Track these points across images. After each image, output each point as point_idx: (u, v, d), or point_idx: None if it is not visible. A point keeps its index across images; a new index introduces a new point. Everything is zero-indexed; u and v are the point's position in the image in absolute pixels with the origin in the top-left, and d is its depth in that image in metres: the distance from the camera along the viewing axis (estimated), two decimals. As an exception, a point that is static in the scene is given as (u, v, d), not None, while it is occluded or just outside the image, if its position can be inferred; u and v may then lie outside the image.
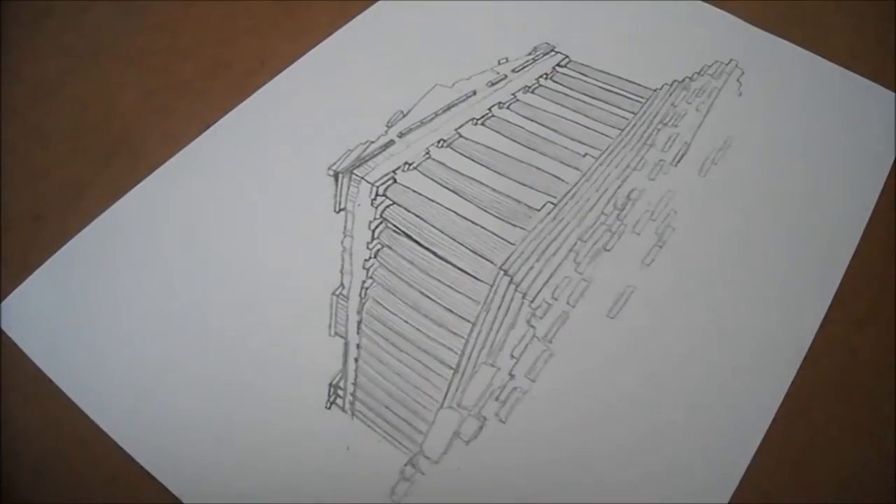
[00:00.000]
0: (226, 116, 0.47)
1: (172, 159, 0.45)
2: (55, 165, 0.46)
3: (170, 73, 0.50)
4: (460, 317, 0.40)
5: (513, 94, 0.48)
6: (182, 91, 0.49)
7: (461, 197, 0.44)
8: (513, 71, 0.49)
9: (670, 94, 0.48)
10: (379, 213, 0.43)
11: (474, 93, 0.48)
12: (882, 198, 0.43)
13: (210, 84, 0.49)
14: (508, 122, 0.47)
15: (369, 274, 0.41)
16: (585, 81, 0.49)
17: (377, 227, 0.43)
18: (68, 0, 0.54)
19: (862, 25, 0.51)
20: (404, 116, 0.47)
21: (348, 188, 0.44)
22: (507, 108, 0.48)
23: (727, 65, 0.49)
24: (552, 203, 0.43)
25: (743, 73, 0.49)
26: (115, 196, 0.44)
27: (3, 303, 0.41)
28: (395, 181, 0.44)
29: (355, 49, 0.50)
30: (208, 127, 0.47)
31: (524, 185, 0.44)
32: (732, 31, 0.49)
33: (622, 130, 0.47)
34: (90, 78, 0.50)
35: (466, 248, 0.42)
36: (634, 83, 0.49)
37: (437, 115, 0.47)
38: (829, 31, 0.51)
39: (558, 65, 0.50)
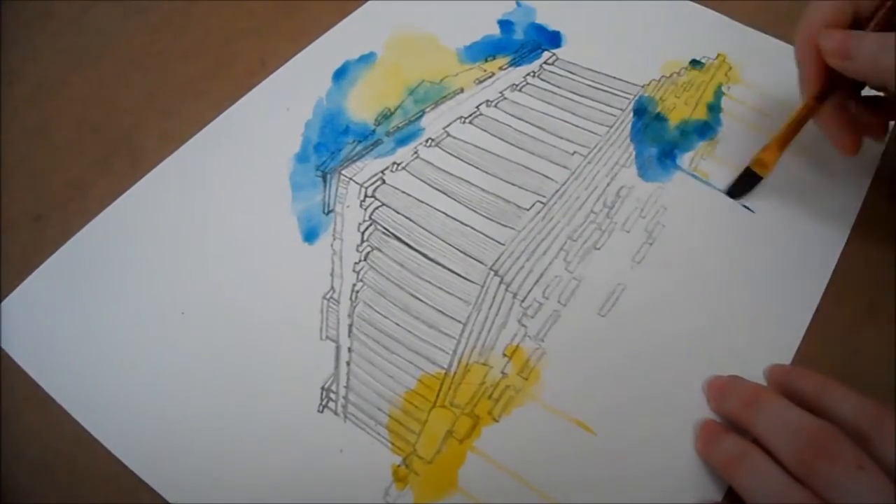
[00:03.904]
0: (219, 117, 0.43)
1: (167, 160, 0.42)
2: (55, 165, 0.42)
3: (170, 74, 0.46)
4: (451, 317, 0.37)
5: (500, 93, 0.44)
6: (182, 91, 0.45)
7: (450, 197, 0.40)
8: (500, 69, 0.45)
9: (658, 90, 0.44)
10: (368, 214, 0.40)
11: (462, 90, 0.44)
12: (874, 195, 0.40)
13: (210, 84, 0.45)
14: (496, 120, 0.43)
15: (359, 277, 0.38)
16: (573, 79, 0.45)
17: (366, 229, 0.39)
18: (68, 0, 0.50)
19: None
20: (392, 114, 0.43)
21: (336, 189, 0.40)
22: (495, 106, 0.44)
23: (714, 60, 0.46)
24: (541, 202, 0.40)
25: (731, 68, 0.45)
26: (114, 196, 0.41)
27: (3, 303, 0.37)
28: (383, 182, 0.41)
29: (345, 49, 0.46)
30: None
31: (513, 184, 0.41)
32: (719, 29, 0.47)
33: (610, 127, 0.43)
34: (90, 78, 0.46)
35: (456, 248, 0.38)
36: (622, 80, 0.45)
37: (424, 112, 0.43)
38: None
39: (545, 62, 0.46)
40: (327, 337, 0.36)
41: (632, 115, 0.43)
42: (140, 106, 0.44)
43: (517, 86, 0.44)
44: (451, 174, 0.41)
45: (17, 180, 0.42)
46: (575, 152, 0.41)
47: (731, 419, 0.33)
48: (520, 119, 0.43)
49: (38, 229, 0.40)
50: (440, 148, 0.42)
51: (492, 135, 0.42)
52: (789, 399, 0.32)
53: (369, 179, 0.40)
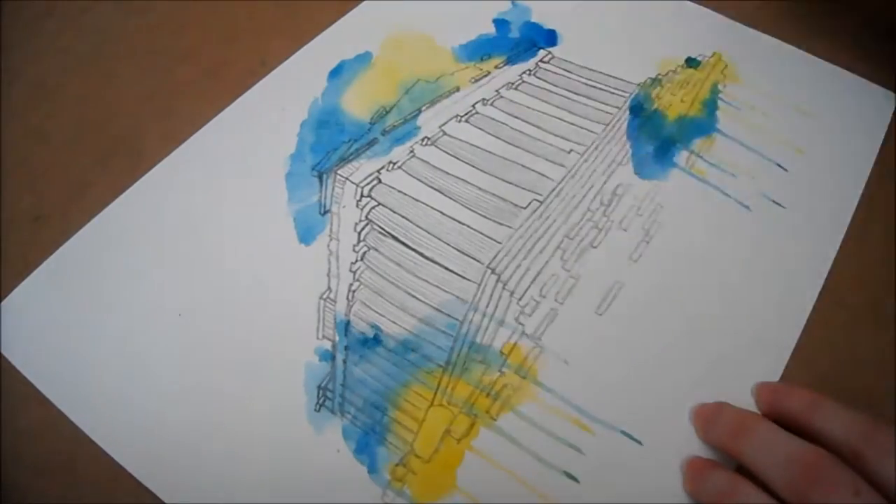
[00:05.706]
0: (216, 117, 0.42)
1: (166, 160, 0.40)
2: (55, 165, 0.41)
3: (170, 74, 0.45)
4: (448, 316, 0.35)
5: (496, 91, 0.43)
6: (182, 91, 0.44)
7: (446, 196, 0.39)
8: (496, 67, 0.44)
9: (654, 88, 0.43)
10: (364, 214, 0.38)
11: (458, 89, 0.43)
12: (872, 194, 0.39)
13: (210, 84, 0.44)
14: (492, 118, 0.42)
15: (356, 277, 0.36)
16: (569, 77, 0.43)
17: (363, 228, 0.38)
18: (68, 0, 0.48)
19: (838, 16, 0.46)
20: (387, 113, 0.42)
21: (333, 189, 0.39)
22: (491, 104, 0.42)
23: (710, 58, 0.44)
24: (538, 201, 0.38)
25: (726, 66, 0.43)
26: (114, 196, 0.39)
27: (3, 303, 0.36)
28: (379, 181, 0.39)
29: (341, 49, 0.44)
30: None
31: (509, 182, 0.39)
32: (715, 27, 0.45)
33: (607, 125, 0.41)
34: (90, 78, 0.45)
35: (453, 247, 0.37)
36: (618, 78, 0.43)
37: (420, 111, 0.42)
38: (811, 27, 0.45)
39: (541, 61, 0.44)
40: (324, 336, 0.34)
41: (628, 112, 0.41)
42: (140, 106, 0.43)
43: (513, 84, 0.43)
44: (448, 173, 0.39)
45: (17, 180, 0.40)
46: (571, 150, 0.40)
47: (720, 449, 0.31)
48: (516, 117, 0.41)
49: (38, 229, 0.38)
50: (436, 146, 0.40)
51: (488, 133, 0.41)
52: (779, 419, 0.30)
53: (365, 179, 0.39)
